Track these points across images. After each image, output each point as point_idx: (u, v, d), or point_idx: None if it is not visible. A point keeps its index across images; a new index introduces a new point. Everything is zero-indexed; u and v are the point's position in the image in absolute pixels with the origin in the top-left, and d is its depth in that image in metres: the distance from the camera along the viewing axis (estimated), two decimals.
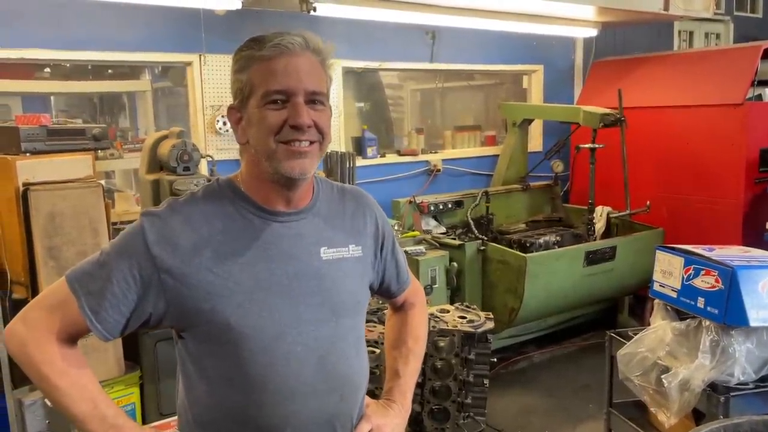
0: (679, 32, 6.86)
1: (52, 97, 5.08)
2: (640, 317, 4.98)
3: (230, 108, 1.27)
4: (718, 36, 7.30)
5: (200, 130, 4.02)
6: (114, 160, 3.84)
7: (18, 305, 3.04)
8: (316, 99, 1.22)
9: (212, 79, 4.01)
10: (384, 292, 1.51)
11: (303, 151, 1.20)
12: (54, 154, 3.07)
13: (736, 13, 7.37)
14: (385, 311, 3.78)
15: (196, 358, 1.24)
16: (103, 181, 3.23)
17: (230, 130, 4.05)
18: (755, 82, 4.81)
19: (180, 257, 1.18)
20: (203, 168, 3.83)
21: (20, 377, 3.04)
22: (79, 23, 3.49)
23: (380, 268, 1.44)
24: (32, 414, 3.01)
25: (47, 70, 4.17)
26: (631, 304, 4.96)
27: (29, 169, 2.94)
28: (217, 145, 4.05)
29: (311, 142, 1.21)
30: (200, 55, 3.94)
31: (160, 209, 1.23)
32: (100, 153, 3.58)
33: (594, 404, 3.75)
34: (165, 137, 3.47)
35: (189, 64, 3.97)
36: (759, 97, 4.95)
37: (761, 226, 4.59)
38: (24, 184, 2.88)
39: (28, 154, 3.00)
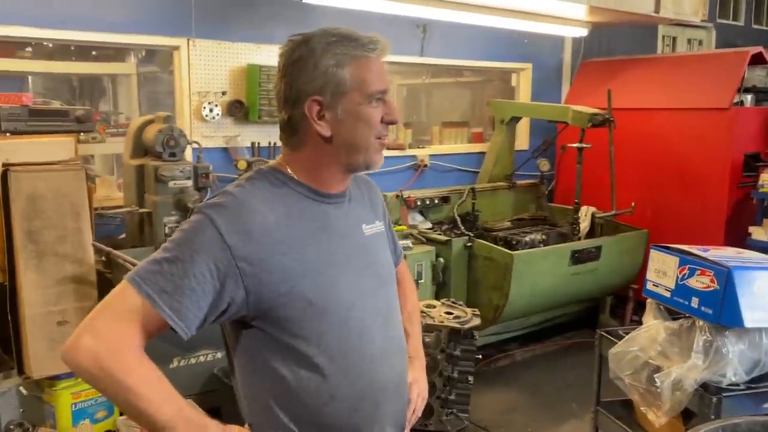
0: (663, 37, 6.92)
1: (29, 79, 4.94)
2: (621, 317, 5.01)
3: (314, 100, 1.25)
4: (700, 42, 7.39)
5: (186, 116, 3.93)
6: (96, 143, 3.73)
7: None
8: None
9: (200, 64, 3.92)
10: None
11: (385, 145, 1.32)
12: (35, 135, 2.98)
13: (718, 20, 7.46)
14: None
15: (275, 343, 1.24)
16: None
17: (216, 117, 3.97)
18: (741, 89, 4.86)
19: (255, 244, 1.19)
20: (189, 155, 3.74)
21: None
22: (65, 1, 3.38)
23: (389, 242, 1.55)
24: (6, 402, 2.91)
25: (29, 49, 4.05)
26: (612, 304, 4.99)
27: (9, 149, 2.85)
28: (203, 132, 3.96)
29: None
30: (188, 40, 3.85)
31: (222, 200, 1.23)
32: (81, 136, 3.48)
33: (577, 403, 3.75)
34: (151, 122, 3.38)
35: (176, 48, 3.87)
36: (741, 103, 5.00)
37: (744, 230, 4.64)
38: (3, 165, 2.78)
39: (8, 134, 2.90)
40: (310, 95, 1.24)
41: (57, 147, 3.08)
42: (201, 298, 1.16)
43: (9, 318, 2.89)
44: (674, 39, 7.08)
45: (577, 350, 4.55)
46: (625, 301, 5.02)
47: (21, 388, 2.91)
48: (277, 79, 1.30)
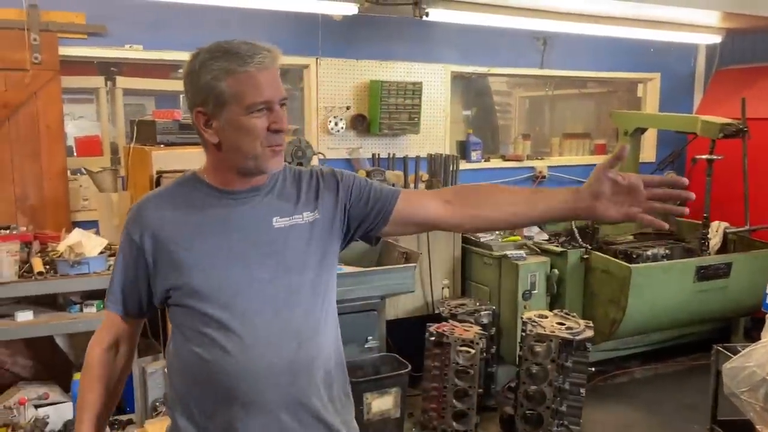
0: None
1: (181, 97, 5.52)
2: (757, 340, 4.67)
3: (198, 111, 1.38)
4: None
5: (313, 129, 4.24)
6: None
7: None
8: (284, 103, 1.40)
9: (327, 81, 4.22)
10: (378, 216, 1.52)
11: (281, 150, 1.41)
12: (185, 146, 3.37)
13: None
14: (483, 312, 3.82)
15: (175, 318, 1.45)
16: None
17: (341, 130, 4.24)
18: None
19: (150, 238, 1.42)
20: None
21: (145, 347, 3.35)
22: (211, 28, 3.79)
23: (358, 205, 1.52)
24: (153, 381, 3.30)
25: (180, 71, 4.55)
26: (747, 326, 4.67)
27: (163, 158, 3.24)
28: (328, 144, 4.25)
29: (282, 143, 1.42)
30: (317, 59, 4.17)
31: (133, 205, 1.49)
32: None
33: (699, 425, 3.56)
34: None
35: (306, 66, 4.20)
36: None
37: None
38: (158, 172, 3.18)
39: (162, 146, 3.31)
40: (196, 107, 1.38)
41: (202, 156, 3.44)
42: (137, 286, 1.46)
43: None
44: None
45: (703, 371, 4.28)
46: (762, 323, 4.67)
47: (166, 369, 3.28)
48: None
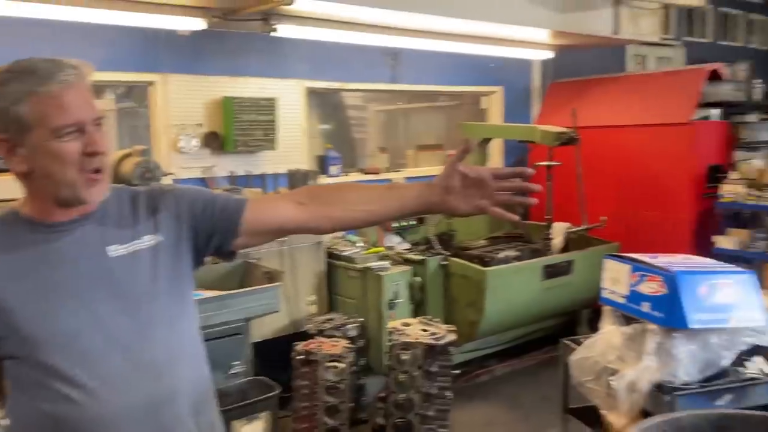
0: (634, 56, 7.14)
1: None
2: (599, 330, 5.10)
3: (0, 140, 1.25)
4: (669, 60, 7.62)
5: (163, 148, 4.05)
6: None
7: None
8: (99, 122, 1.29)
9: (176, 98, 4.05)
10: (227, 229, 1.42)
11: (101, 179, 1.28)
12: (6, 172, 3.06)
13: (687, 38, 7.70)
14: (350, 325, 3.82)
15: (9, 372, 1.29)
16: None
17: (194, 149, 4.09)
18: (703, 103, 5.04)
19: None
20: None
21: None
22: (45, 43, 3.50)
23: (203, 220, 1.41)
24: None
25: None
26: (589, 317, 5.08)
27: None
28: (181, 164, 4.07)
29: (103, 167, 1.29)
30: (162, 75, 3.98)
31: None
32: None
33: (555, 414, 3.82)
34: (128, 155, 3.49)
35: (151, 83, 4.00)
36: (706, 118, 5.16)
37: (710, 239, 4.79)
38: None
39: None
40: None
41: None
42: None
43: None
44: (644, 57, 7.30)
45: (554, 364, 4.62)
46: (601, 314, 5.11)
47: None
48: None
